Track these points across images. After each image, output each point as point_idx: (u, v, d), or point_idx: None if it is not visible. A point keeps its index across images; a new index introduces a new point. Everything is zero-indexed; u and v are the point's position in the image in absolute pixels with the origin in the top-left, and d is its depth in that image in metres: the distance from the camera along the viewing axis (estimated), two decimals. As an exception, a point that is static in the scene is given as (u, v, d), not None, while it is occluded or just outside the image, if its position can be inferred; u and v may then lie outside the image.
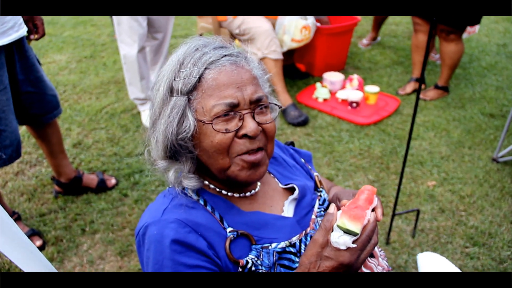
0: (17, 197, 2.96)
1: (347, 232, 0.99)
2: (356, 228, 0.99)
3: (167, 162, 1.16)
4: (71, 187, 2.93)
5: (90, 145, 3.47)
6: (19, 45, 2.35)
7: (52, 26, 5.91)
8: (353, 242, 1.00)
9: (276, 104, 1.22)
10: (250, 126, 1.09)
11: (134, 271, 2.41)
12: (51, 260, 2.50)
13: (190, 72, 1.09)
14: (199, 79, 1.09)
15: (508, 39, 5.48)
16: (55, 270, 1.95)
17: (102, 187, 2.98)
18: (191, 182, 1.16)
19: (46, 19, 6.03)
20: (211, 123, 1.08)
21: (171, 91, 1.11)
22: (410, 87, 4.28)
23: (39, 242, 2.57)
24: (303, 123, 3.70)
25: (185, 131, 1.10)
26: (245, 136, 1.10)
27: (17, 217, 2.65)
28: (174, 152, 1.14)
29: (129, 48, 3.53)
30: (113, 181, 3.04)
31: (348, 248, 1.00)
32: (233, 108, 1.09)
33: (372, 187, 1.13)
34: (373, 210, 1.09)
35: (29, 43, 2.49)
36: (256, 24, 3.74)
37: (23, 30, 2.33)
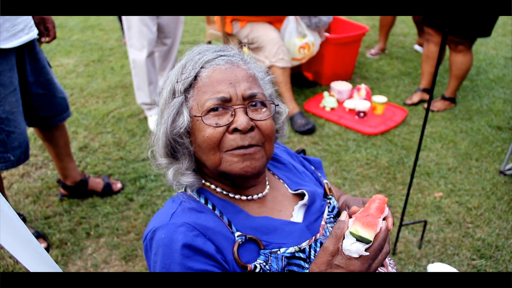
0: (22, 199, 2.95)
1: (360, 239, 0.98)
2: (370, 235, 0.98)
3: (167, 160, 1.20)
4: (77, 190, 2.93)
5: (96, 149, 3.47)
6: (30, 47, 2.36)
7: (60, 30, 5.94)
8: (366, 250, 0.98)
9: (273, 103, 1.21)
10: (241, 120, 1.10)
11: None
12: (55, 263, 2.49)
13: (189, 73, 1.14)
14: (195, 77, 1.14)
15: (516, 53, 5.47)
16: (59, 269, 1.95)
17: (107, 191, 2.98)
18: (188, 179, 1.18)
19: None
20: (201, 117, 1.11)
21: (173, 94, 1.16)
22: (416, 97, 4.28)
23: (43, 245, 2.57)
24: (310, 131, 3.70)
25: (179, 126, 1.13)
26: (236, 130, 1.10)
27: (22, 219, 2.64)
28: (173, 149, 1.18)
29: (138, 52, 3.54)
30: (119, 185, 3.04)
31: (360, 257, 0.98)
32: (225, 102, 1.11)
33: (384, 196, 1.12)
34: (384, 219, 1.07)
35: (40, 46, 2.50)
36: (264, 32, 3.75)
37: (33, 33, 2.34)
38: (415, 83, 4.71)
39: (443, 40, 1.96)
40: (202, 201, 1.18)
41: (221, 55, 1.16)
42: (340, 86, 4.22)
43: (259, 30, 3.77)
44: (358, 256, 0.98)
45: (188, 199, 1.18)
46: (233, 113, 1.11)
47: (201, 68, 1.14)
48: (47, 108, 2.57)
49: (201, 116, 1.11)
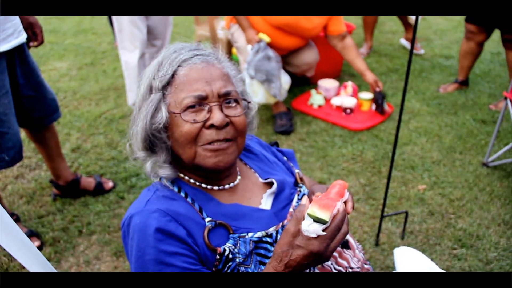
0: (16, 199, 3.02)
1: (317, 220, 1.05)
2: (326, 216, 1.05)
3: (145, 153, 1.26)
4: (69, 189, 3.00)
5: (88, 150, 3.54)
6: (20, 51, 2.43)
7: (53, 34, 6.01)
8: (323, 231, 1.06)
9: (246, 100, 1.30)
10: (217, 117, 1.19)
11: (126, 271, 2.47)
12: (48, 260, 2.53)
13: (166, 71, 1.20)
14: (173, 75, 1.20)
15: (502, 48, 5.49)
16: (52, 268, 2.01)
17: (99, 190, 3.05)
18: (165, 171, 1.25)
19: (48, 27, 6.14)
20: (180, 114, 1.18)
21: (150, 90, 1.22)
22: (452, 87, 4.51)
23: (37, 243, 2.63)
24: (285, 132, 3.77)
25: (158, 122, 1.19)
26: (212, 126, 1.19)
27: (15, 219, 2.71)
28: (151, 143, 1.24)
29: (130, 54, 3.61)
30: (110, 184, 3.10)
31: (318, 237, 1.05)
32: (202, 100, 1.19)
33: (344, 182, 1.20)
34: (344, 203, 1.15)
35: (28, 50, 2.57)
36: (242, 39, 3.81)
37: (23, 37, 2.41)
38: (402, 79, 4.79)
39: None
40: (176, 189, 1.26)
41: (197, 54, 1.23)
42: (327, 84, 4.30)
43: (239, 36, 3.83)
44: (316, 236, 1.05)
45: (163, 187, 1.26)
46: (209, 109, 1.19)
47: (178, 66, 1.20)
48: (39, 109, 2.64)
49: (179, 113, 1.18)
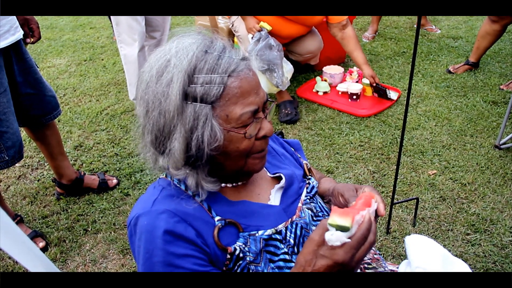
0: (19, 200, 2.98)
1: (340, 229, 1.00)
2: (347, 222, 1.00)
3: (184, 170, 1.14)
4: (73, 188, 2.95)
5: (91, 147, 3.49)
6: (16, 48, 2.38)
7: (51, 30, 5.95)
8: (348, 238, 1.00)
9: (271, 101, 1.24)
10: (268, 127, 1.15)
11: (132, 270, 2.43)
12: (54, 260, 2.52)
13: (210, 79, 1.05)
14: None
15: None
16: (57, 269, 1.97)
17: (103, 187, 3.00)
18: (211, 185, 1.16)
19: (44, 23, 6.08)
20: (245, 133, 1.11)
21: (185, 98, 1.06)
22: (462, 68, 4.40)
23: (42, 244, 2.59)
24: (289, 122, 3.71)
25: (215, 140, 1.08)
26: (264, 137, 1.16)
27: (19, 220, 2.68)
28: (194, 159, 1.11)
29: (129, 48, 3.54)
30: (114, 181, 3.06)
31: (343, 245, 0.99)
32: (255, 114, 1.12)
33: (370, 193, 1.16)
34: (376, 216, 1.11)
35: (26, 47, 2.52)
36: (242, 28, 3.73)
37: (19, 34, 2.36)
38: (409, 62, 4.69)
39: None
40: (183, 187, 1.20)
41: (241, 59, 1.12)
42: (332, 70, 4.21)
43: (240, 25, 3.75)
44: (340, 245, 0.99)
45: (169, 185, 1.20)
46: (258, 120, 1.13)
47: (228, 76, 1.07)
48: (37, 107, 2.59)
49: (244, 133, 1.11)
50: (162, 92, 1.06)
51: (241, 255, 1.15)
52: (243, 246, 1.15)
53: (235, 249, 1.14)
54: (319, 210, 1.34)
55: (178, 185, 1.20)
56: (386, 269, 1.35)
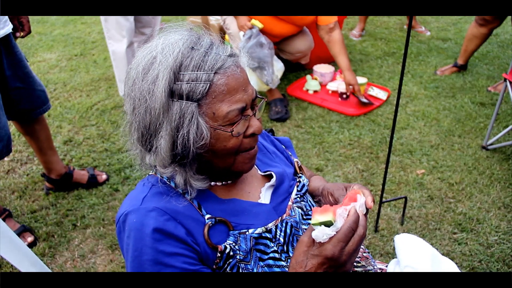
0: (8, 195, 2.96)
1: (324, 225, 1.02)
2: (328, 217, 1.01)
3: (172, 168, 1.12)
4: (62, 183, 2.94)
5: (81, 142, 3.47)
6: (5, 41, 2.36)
7: (41, 24, 5.89)
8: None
9: (261, 98, 1.23)
10: (256, 124, 1.14)
11: (125, 268, 2.43)
12: (42, 255, 2.51)
13: (196, 76, 1.04)
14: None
15: (500, 29, 5.46)
16: (44, 265, 1.97)
17: (93, 183, 2.99)
18: (199, 182, 1.15)
19: (35, 18, 6.02)
20: (232, 131, 1.09)
21: (171, 95, 1.04)
22: (449, 70, 4.44)
23: (30, 238, 2.58)
24: (280, 120, 3.72)
25: (201, 138, 1.07)
26: (252, 135, 1.14)
27: (8, 214, 2.66)
28: (181, 157, 1.10)
29: (118, 44, 3.53)
30: (104, 176, 3.05)
31: (330, 239, 1.00)
32: (243, 111, 1.11)
33: (356, 190, 1.17)
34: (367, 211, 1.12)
35: (15, 41, 2.50)
36: (234, 25, 3.73)
37: (8, 27, 2.34)
38: (399, 62, 4.73)
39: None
40: (173, 185, 1.19)
41: (228, 56, 1.10)
42: (323, 69, 4.23)
43: (233, 20, 3.75)
44: (328, 239, 1.00)
45: (159, 183, 1.18)
46: (246, 118, 1.12)
47: (215, 73, 1.05)
48: (27, 101, 2.57)
49: (231, 131, 1.09)
50: (148, 89, 1.04)
51: (231, 253, 1.14)
52: (233, 244, 1.15)
53: (225, 247, 1.14)
54: (309, 209, 1.34)
55: (167, 182, 1.19)
56: (375, 267, 1.36)
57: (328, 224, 1.01)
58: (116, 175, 3.10)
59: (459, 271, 1.28)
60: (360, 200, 1.12)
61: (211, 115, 1.07)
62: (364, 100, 3.77)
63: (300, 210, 1.30)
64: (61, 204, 2.87)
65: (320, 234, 1.01)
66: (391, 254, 2.43)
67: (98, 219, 2.73)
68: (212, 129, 1.08)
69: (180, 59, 1.04)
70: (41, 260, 2.36)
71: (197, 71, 1.04)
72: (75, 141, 3.49)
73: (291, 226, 1.24)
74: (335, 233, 1.01)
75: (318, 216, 1.03)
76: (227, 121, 1.08)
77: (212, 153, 1.11)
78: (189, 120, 1.05)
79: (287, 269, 1.16)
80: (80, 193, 2.95)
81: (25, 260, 1.47)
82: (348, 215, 1.04)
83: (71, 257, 2.52)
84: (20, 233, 2.58)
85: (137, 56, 1.11)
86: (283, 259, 1.21)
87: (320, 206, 1.14)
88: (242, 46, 3.44)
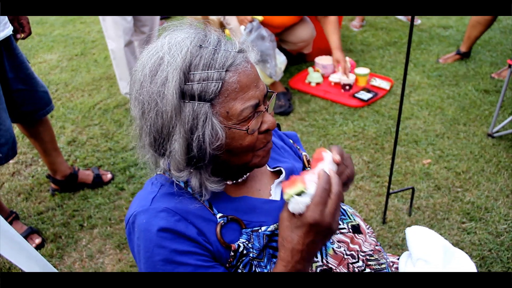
0: (14, 197, 2.96)
1: (297, 195, 1.01)
2: (298, 187, 1.00)
3: (188, 170, 1.09)
4: (67, 184, 2.94)
5: (84, 142, 3.47)
6: (6, 44, 2.35)
7: (41, 25, 5.88)
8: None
9: (272, 92, 1.20)
10: (270, 120, 1.11)
11: (134, 264, 2.42)
12: (50, 256, 2.51)
13: (207, 75, 1.01)
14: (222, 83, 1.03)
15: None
16: (53, 268, 1.96)
17: (98, 182, 2.99)
18: (215, 185, 1.13)
19: (34, 19, 6.00)
20: (247, 129, 1.06)
21: (183, 97, 1.01)
22: (452, 58, 4.39)
23: (38, 240, 2.58)
24: (283, 113, 3.71)
25: (217, 139, 1.04)
26: (267, 131, 1.11)
27: (15, 217, 2.66)
28: (197, 159, 1.07)
29: (115, 43, 3.54)
30: (109, 175, 3.04)
31: (308, 207, 1.00)
32: (256, 108, 1.07)
33: (318, 149, 1.14)
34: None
35: (16, 43, 2.49)
36: (234, 20, 3.70)
37: (9, 29, 2.33)
38: (401, 52, 4.70)
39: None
40: (182, 184, 1.17)
41: (237, 52, 1.07)
42: (324, 61, 4.21)
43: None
44: (305, 208, 1.00)
45: (168, 182, 1.16)
46: (259, 114, 1.09)
47: (226, 71, 1.02)
48: (30, 103, 2.56)
49: (245, 129, 1.06)
50: (158, 92, 1.01)
51: (244, 252, 1.13)
52: (247, 242, 1.14)
53: (239, 246, 1.12)
54: None
55: (177, 182, 1.17)
56: (388, 260, 1.35)
57: (301, 193, 1.00)
58: (121, 174, 3.09)
59: (471, 262, 1.26)
60: (327, 158, 1.09)
61: (224, 114, 1.04)
62: (347, 83, 3.86)
63: None
64: (67, 205, 2.87)
65: (296, 205, 1.00)
66: (399, 246, 2.42)
67: (105, 219, 2.73)
68: (226, 128, 1.04)
69: (189, 58, 1.00)
70: (50, 261, 2.37)
71: (208, 70, 1.01)
72: (79, 141, 3.48)
73: None
74: (310, 199, 1.00)
75: (288, 189, 1.02)
76: (241, 119, 1.04)
77: (228, 153, 1.08)
78: (203, 121, 1.01)
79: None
80: (85, 193, 2.94)
81: (33, 263, 1.46)
82: (318, 178, 1.03)
83: (79, 257, 2.51)
84: (28, 235, 2.59)
85: (141, 57, 1.07)
86: None
87: None
88: (243, 40, 3.41)
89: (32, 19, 2.32)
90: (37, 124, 2.68)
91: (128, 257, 2.47)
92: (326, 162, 1.08)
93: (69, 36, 5.54)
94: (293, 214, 1.02)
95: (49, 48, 5.20)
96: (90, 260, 2.49)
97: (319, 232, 1.01)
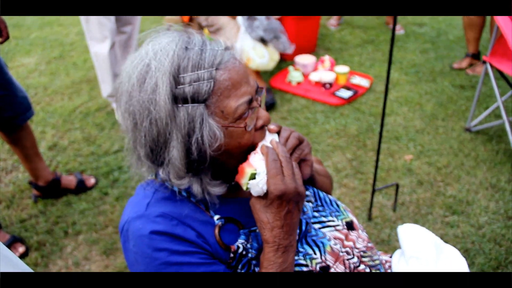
0: (-5, 205, 2.91)
1: (252, 179, 1.04)
2: (248, 171, 1.04)
3: (189, 177, 1.07)
4: (50, 190, 2.89)
5: (66, 147, 3.42)
6: (-17, 49, 2.31)
7: (17, 28, 5.77)
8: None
9: (261, 87, 1.20)
10: (265, 115, 1.11)
11: (121, 269, 2.41)
12: (35, 265, 2.48)
13: (198, 76, 0.99)
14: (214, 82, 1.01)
15: (474, 11, 5.57)
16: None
17: (81, 188, 2.95)
18: (218, 188, 1.11)
19: (11, 22, 5.88)
20: (245, 126, 1.05)
21: (175, 101, 0.99)
22: (466, 62, 4.28)
23: (21, 249, 2.54)
24: (267, 104, 3.74)
25: (215, 140, 1.02)
26: (262, 126, 1.11)
27: (-3, 225, 2.62)
28: (197, 164, 1.05)
29: (100, 45, 3.46)
30: (92, 180, 3.01)
31: (268, 183, 1.03)
32: (250, 104, 1.06)
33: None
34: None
35: (-6, 47, 2.45)
36: (220, 18, 3.72)
37: (-15, 35, 2.29)
38: (378, 50, 4.76)
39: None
40: (175, 189, 1.15)
41: (225, 49, 1.06)
42: (304, 60, 4.24)
43: None
44: (265, 187, 1.03)
45: (161, 187, 1.15)
46: (253, 110, 1.08)
47: (216, 69, 1.01)
48: (9, 108, 2.52)
49: (243, 126, 1.05)
50: (149, 99, 0.98)
51: (244, 252, 1.13)
52: (245, 243, 1.13)
53: (238, 247, 1.12)
54: (312, 195, 1.32)
55: (170, 186, 1.16)
56: (380, 257, 1.37)
57: (253, 176, 1.03)
58: (104, 178, 3.06)
59: (462, 257, 1.30)
60: (267, 136, 1.12)
61: (220, 114, 1.02)
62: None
63: (310, 204, 1.28)
64: (50, 211, 2.83)
65: (256, 188, 1.02)
66: (386, 242, 2.46)
67: (90, 225, 2.70)
68: (223, 128, 1.03)
69: (177, 61, 0.99)
70: (34, 270, 2.33)
71: (198, 70, 0.99)
72: (60, 146, 3.44)
73: (306, 223, 1.22)
74: (265, 176, 1.02)
75: (242, 180, 1.04)
76: (236, 117, 1.03)
77: (227, 154, 1.07)
78: (199, 123, 1.00)
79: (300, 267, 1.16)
80: (69, 199, 2.91)
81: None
82: (263, 154, 1.06)
83: (65, 265, 2.48)
84: (11, 244, 2.54)
85: (125, 67, 1.04)
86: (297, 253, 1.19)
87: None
88: (258, 25, 3.53)
89: (8, 22, 2.26)
90: (18, 129, 2.64)
91: (115, 263, 2.45)
92: (266, 138, 1.11)
93: (47, 38, 5.46)
94: (260, 197, 1.04)
95: (27, 51, 5.11)
96: (76, 267, 2.47)
97: (289, 200, 1.03)
